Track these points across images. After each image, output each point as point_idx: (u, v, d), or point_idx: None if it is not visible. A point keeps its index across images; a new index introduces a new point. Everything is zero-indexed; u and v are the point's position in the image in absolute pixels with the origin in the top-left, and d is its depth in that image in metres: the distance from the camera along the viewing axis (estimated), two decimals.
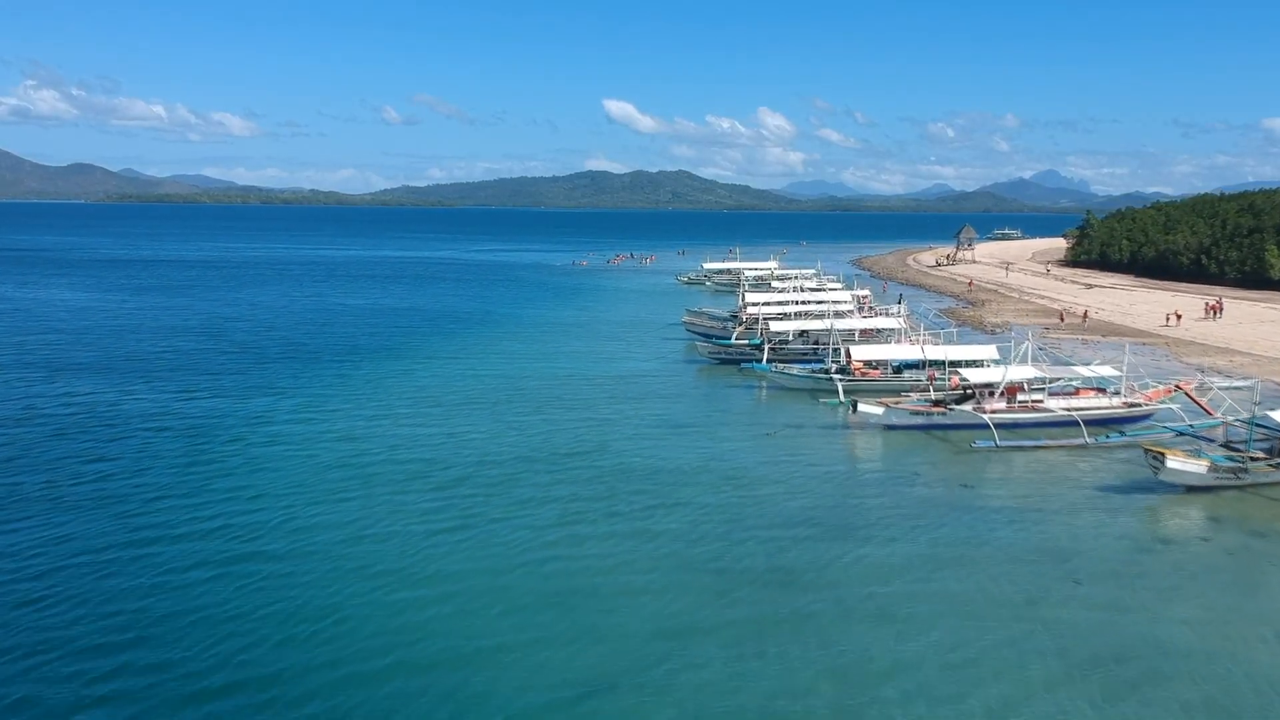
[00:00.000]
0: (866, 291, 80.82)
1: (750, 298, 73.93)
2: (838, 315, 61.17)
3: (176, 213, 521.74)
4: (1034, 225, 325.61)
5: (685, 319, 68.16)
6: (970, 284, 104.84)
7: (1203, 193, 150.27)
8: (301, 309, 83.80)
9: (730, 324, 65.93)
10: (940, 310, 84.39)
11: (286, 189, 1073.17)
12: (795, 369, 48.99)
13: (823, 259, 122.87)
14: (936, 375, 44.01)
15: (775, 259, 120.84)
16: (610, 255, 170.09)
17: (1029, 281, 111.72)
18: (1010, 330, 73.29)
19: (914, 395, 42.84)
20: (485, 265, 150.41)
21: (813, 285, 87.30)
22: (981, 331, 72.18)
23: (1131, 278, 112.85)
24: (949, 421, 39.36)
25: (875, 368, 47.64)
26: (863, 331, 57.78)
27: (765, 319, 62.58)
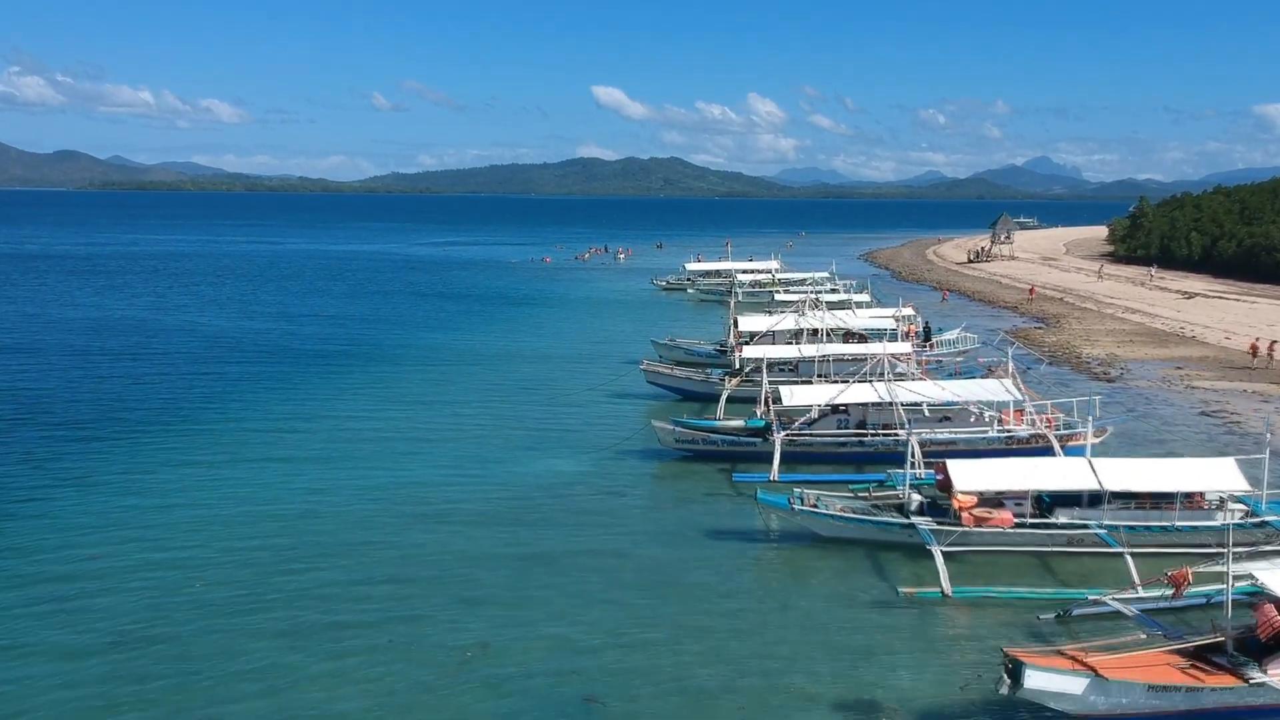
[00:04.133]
0: (910, 311, 55.24)
1: (745, 323, 48.52)
2: (894, 367, 34.61)
3: (141, 200, 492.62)
4: (1035, 212, 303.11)
5: (644, 365, 42.33)
6: (1031, 291, 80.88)
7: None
8: (120, 329, 60.43)
9: (718, 376, 41.29)
10: (1007, 333, 60.03)
11: (275, 176, 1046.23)
12: (838, 504, 24.63)
13: (829, 254, 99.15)
14: (1191, 572, 19.22)
15: (777, 257, 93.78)
16: (581, 249, 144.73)
17: (1098, 286, 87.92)
18: (1125, 370, 49.61)
19: (1124, 604, 18.94)
20: (423, 263, 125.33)
21: (832, 298, 61.45)
22: (1084, 373, 48.47)
23: (1210, 278, 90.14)
24: None
25: (1001, 505, 23.62)
26: (934, 407, 32.66)
27: (770, 367, 37.50)
